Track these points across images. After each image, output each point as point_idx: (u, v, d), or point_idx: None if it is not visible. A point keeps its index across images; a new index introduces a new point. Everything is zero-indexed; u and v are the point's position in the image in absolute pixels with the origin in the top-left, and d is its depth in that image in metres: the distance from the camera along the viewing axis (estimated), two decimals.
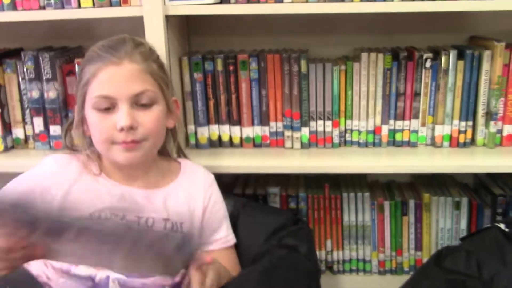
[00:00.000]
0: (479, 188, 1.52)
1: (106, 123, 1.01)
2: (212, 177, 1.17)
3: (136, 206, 1.05)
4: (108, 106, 1.00)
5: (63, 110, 1.40)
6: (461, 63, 1.33)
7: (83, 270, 0.97)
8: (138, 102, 1.02)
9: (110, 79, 1.00)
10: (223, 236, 1.12)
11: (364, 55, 1.34)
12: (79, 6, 1.31)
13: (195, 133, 1.42)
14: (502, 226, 1.20)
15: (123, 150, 1.02)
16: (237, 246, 1.16)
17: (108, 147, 1.03)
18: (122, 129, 1.00)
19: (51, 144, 1.42)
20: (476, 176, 1.55)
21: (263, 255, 1.09)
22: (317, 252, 1.48)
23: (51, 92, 1.38)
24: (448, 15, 1.38)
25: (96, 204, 1.02)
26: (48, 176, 1.04)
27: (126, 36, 1.07)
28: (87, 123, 1.06)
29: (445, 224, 1.44)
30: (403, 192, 1.50)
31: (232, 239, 1.14)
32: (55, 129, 1.41)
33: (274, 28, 1.51)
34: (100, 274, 0.97)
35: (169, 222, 1.05)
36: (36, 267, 1.01)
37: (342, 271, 1.52)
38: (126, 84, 1.01)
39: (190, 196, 1.10)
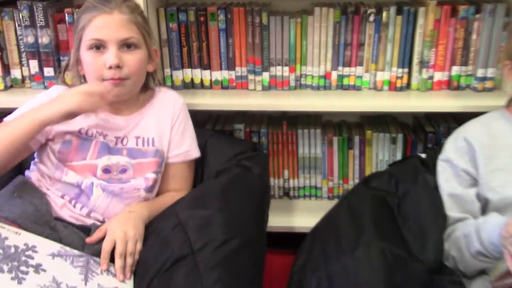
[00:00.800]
0: (416, 127, 1.77)
1: (98, 61, 1.23)
2: (182, 101, 1.40)
3: (115, 127, 1.29)
4: (99, 46, 1.22)
5: (55, 54, 1.60)
6: (399, 18, 1.54)
7: (72, 177, 1.22)
8: (124, 46, 1.24)
9: (102, 25, 1.22)
10: (183, 151, 1.36)
11: (317, 9, 1.55)
12: None
13: (171, 76, 1.63)
14: (423, 155, 1.46)
15: (110, 85, 1.24)
16: (204, 166, 1.41)
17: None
18: (110, 67, 1.22)
19: (45, 84, 1.63)
20: (415, 117, 1.80)
21: (223, 172, 1.34)
22: (276, 180, 1.75)
23: (45, 38, 1.57)
24: None
25: (85, 122, 1.26)
26: (53, 97, 1.26)
27: None
28: (81, 63, 1.28)
29: (384, 156, 1.69)
30: (351, 130, 1.74)
31: (193, 154, 1.38)
32: (48, 71, 1.61)
33: None
34: (85, 180, 1.22)
35: (140, 139, 1.29)
36: (35, 179, 1.26)
37: (297, 197, 1.78)
38: (116, 30, 1.23)
39: (161, 115, 1.35)
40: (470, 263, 1.16)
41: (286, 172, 1.74)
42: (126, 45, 1.24)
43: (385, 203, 1.31)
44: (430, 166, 1.39)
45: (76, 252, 1.10)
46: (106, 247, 1.12)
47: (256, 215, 1.26)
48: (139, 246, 1.14)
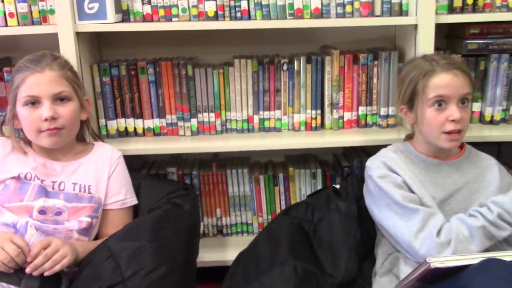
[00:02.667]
0: (335, 163, 1.95)
1: (34, 116, 1.36)
2: (120, 153, 1.53)
3: (53, 173, 1.40)
4: (34, 102, 1.35)
5: None
6: (309, 66, 1.75)
7: (8, 218, 1.32)
8: (57, 99, 1.37)
9: (36, 83, 1.36)
10: (120, 199, 1.48)
11: (236, 61, 1.74)
12: (6, 25, 1.63)
13: (106, 125, 1.76)
14: (337, 186, 1.63)
15: (47, 136, 1.37)
16: (137, 206, 1.52)
17: (36, 135, 1.38)
18: (46, 119, 1.34)
19: None
20: (333, 154, 1.99)
21: (155, 209, 1.46)
22: (209, 219, 1.87)
23: None
24: (304, 30, 1.81)
25: (24, 167, 1.37)
26: None
27: (47, 51, 1.44)
28: (18, 118, 1.40)
29: (306, 191, 1.85)
30: (276, 169, 1.91)
31: (130, 202, 1.50)
32: None
33: (168, 40, 1.88)
34: (21, 220, 1.31)
35: (77, 185, 1.40)
36: None
37: (230, 233, 1.90)
38: (48, 86, 1.36)
39: (98, 166, 1.47)
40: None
41: (218, 210, 1.87)
42: (59, 98, 1.38)
43: (302, 228, 1.46)
44: (342, 194, 1.56)
45: (12, 287, 1.18)
46: (38, 244, 1.23)
47: (185, 245, 1.38)
48: (65, 261, 1.24)
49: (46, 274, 1.22)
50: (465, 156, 1.45)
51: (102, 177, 1.46)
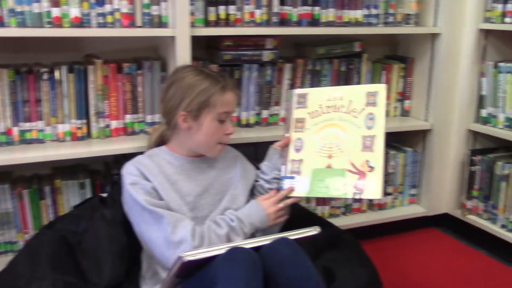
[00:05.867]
0: (106, 171, 1.95)
1: None
2: None
3: None
4: None
5: None
6: (71, 75, 1.72)
7: None
8: None
9: None
10: None
11: None
12: None
13: None
14: (104, 195, 1.64)
15: None
16: None
17: None
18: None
19: None
20: (105, 163, 1.98)
21: None
22: None
23: None
24: (66, 38, 1.77)
25: None
26: None
27: None
28: None
29: (75, 202, 1.81)
30: (43, 182, 1.83)
31: None
32: None
33: None
34: None
35: None
36: None
37: None
38: None
39: None
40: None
41: None
42: None
43: (65, 241, 1.44)
44: (109, 202, 1.57)
45: None
46: None
47: None
48: None
49: None
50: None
51: None
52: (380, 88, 1.52)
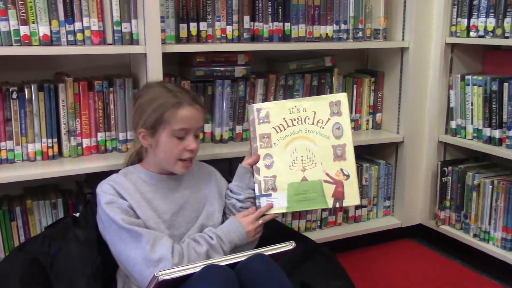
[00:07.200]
0: (78, 191, 1.92)
1: None
2: None
3: None
4: None
5: None
6: (41, 94, 1.70)
7: None
8: None
9: None
10: None
11: None
12: None
13: None
14: (76, 214, 1.61)
15: None
16: None
17: None
18: None
19: None
20: (76, 182, 1.95)
21: None
22: None
23: None
24: (36, 57, 1.75)
25: None
26: None
27: None
28: None
29: (47, 222, 1.78)
30: (14, 202, 1.79)
31: None
32: None
33: None
34: None
35: None
36: None
37: None
38: None
39: None
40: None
41: None
42: None
43: (37, 263, 1.40)
44: (82, 222, 1.55)
45: None
46: None
47: None
48: None
49: None
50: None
51: None
52: (342, 97, 1.55)
